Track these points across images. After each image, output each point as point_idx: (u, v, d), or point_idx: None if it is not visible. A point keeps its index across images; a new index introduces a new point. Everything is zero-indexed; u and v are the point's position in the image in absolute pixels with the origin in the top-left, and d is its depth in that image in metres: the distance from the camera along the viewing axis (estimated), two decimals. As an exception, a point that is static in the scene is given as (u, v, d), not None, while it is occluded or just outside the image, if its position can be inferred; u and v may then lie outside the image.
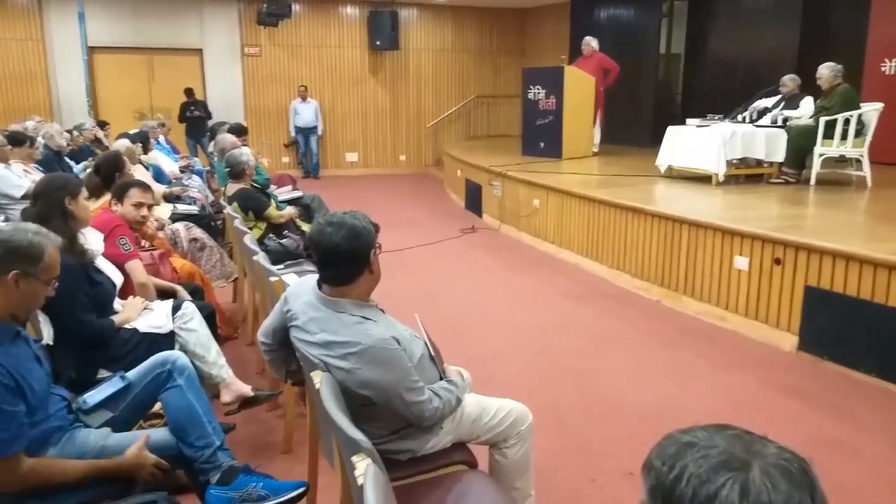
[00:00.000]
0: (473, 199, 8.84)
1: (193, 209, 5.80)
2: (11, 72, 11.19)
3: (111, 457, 1.97)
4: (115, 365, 2.56)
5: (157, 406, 2.29)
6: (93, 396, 2.14)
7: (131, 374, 2.23)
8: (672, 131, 6.87)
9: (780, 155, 6.39)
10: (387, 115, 13.25)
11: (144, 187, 3.64)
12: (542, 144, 8.87)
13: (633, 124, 10.81)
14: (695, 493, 0.76)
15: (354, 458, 1.48)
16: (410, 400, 1.92)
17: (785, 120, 6.47)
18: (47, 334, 2.69)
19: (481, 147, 10.91)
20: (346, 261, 1.94)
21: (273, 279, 2.85)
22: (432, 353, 2.15)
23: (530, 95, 8.97)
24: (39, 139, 6.45)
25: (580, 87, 8.58)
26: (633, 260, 5.49)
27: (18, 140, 5.73)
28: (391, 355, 1.89)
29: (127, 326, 2.84)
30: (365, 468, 1.38)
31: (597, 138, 9.18)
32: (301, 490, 2.12)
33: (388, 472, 1.62)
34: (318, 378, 1.86)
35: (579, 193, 6.24)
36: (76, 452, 1.95)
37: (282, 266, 4.17)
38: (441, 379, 2.13)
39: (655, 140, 7.65)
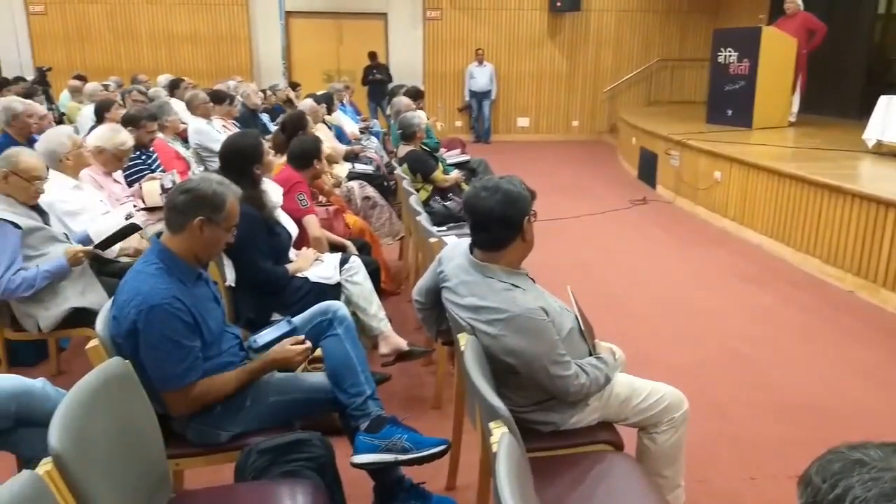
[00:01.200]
0: (647, 169, 8.42)
1: (369, 169, 6.06)
2: (218, 35, 12.32)
3: (276, 396, 2.13)
4: (286, 310, 2.75)
5: (319, 351, 2.43)
6: (262, 337, 2.31)
7: (297, 319, 2.38)
8: (885, 102, 6.02)
9: None
10: (562, 78, 12.93)
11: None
12: (729, 112, 8.19)
13: (839, 92, 9.61)
14: (857, 520, 0.65)
15: (492, 425, 1.47)
16: (555, 373, 1.87)
17: None
18: (230, 277, 2.96)
19: (661, 114, 10.31)
20: (498, 226, 1.91)
21: (433, 240, 2.91)
22: (583, 327, 2.07)
23: (720, 59, 8.29)
24: (238, 98, 7.06)
25: (779, 50, 7.76)
26: (826, 244, 4.93)
27: (219, 98, 6.33)
28: (538, 326, 1.85)
29: (299, 275, 3.04)
30: (500, 436, 1.36)
31: (795, 107, 8.30)
32: (442, 448, 2.16)
33: (527, 442, 1.60)
34: (464, 340, 1.87)
35: (768, 167, 5.69)
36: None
37: (444, 228, 4.25)
38: (590, 355, 2.06)
39: (864, 111, 6.75)
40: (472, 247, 2.01)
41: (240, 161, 2.98)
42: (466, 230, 4.20)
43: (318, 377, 2.27)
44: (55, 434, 1.38)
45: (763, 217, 5.76)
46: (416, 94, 7.07)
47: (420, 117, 5.12)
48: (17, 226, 2.79)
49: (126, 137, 3.80)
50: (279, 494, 1.78)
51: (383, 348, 3.05)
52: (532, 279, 2.03)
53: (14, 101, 4.91)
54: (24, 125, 4.52)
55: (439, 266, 2.15)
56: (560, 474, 1.83)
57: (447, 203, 4.66)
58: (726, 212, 6.36)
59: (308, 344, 2.20)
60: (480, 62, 12.33)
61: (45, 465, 1.35)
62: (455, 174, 5.06)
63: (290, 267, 3.05)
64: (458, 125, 12.87)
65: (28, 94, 6.63)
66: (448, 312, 2.11)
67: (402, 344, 3.08)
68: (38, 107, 5.10)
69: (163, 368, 1.92)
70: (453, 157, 6.28)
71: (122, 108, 5.53)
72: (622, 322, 4.07)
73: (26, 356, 3.35)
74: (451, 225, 4.45)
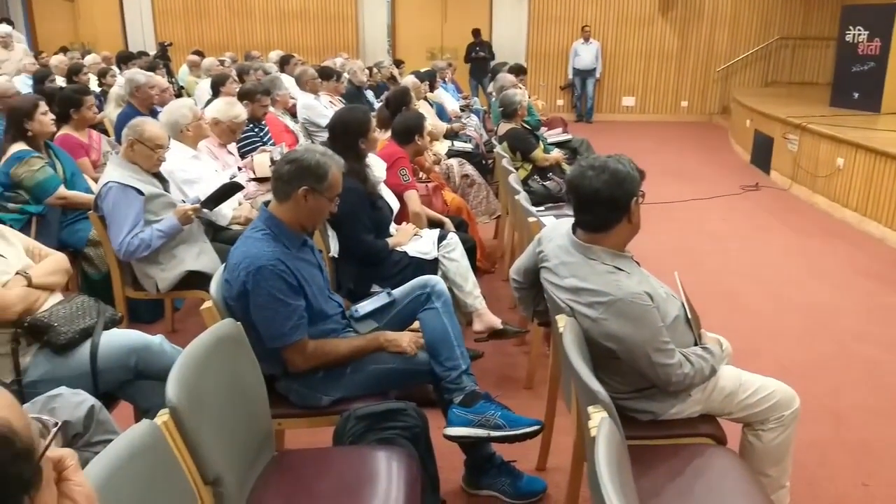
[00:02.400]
0: (761, 153, 7.95)
1: (468, 147, 6.05)
2: (327, 12, 12.61)
3: (375, 365, 2.18)
4: (386, 282, 2.81)
5: (416, 324, 2.46)
6: (363, 307, 2.37)
7: (397, 291, 2.43)
8: None
9: None
10: (672, 57, 12.37)
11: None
12: (856, 95, 7.60)
13: None
14: None
15: (590, 409, 1.44)
16: (658, 361, 1.81)
17: None
18: (334, 248, 3.05)
19: (779, 95, 9.71)
20: (604, 207, 1.85)
21: (531, 220, 2.87)
22: (689, 315, 1.99)
23: (848, 37, 7.68)
24: (345, 75, 7.22)
25: (918, 27, 7.11)
26: (963, 240, 4.51)
27: (327, 74, 6.49)
28: (642, 311, 1.79)
29: (398, 249, 3.09)
30: (599, 421, 1.33)
31: (930, 90, 7.59)
32: (536, 428, 2.14)
33: (624, 429, 1.55)
34: (562, 322, 1.84)
35: (897, 155, 5.25)
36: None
37: (542, 208, 4.20)
38: (696, 345, 1.97)
39: None
40: (574, 227, 1.97)
41: (346, 134, 3.06)
42: (565, 211, 4.19)
43: (415, 349, 2.30)
44: (172, 388, 1.47)
45: (889, 209, 5.32)
46: (518, 71, 6.99)
47: (521, 95, 5.05)
48: (140, 192, 2.97)
49: (241, 111, 3.97)
50: (376, 459, 1.82)
51: (477, 325, 3.06)
52: (637, 262, 1.96)
53: (137, 73, 5.23)
54: (146, 96, 4.81)
55: (539, 246, 2.11)
56: (657, 464, 1.78)
57: (546, 183, 4.59)
58: (848, 202, 5.92)
59: (420, 340, 2.23)
60: (586, 39, 12.00)
61: (162, 416, 1.43)
62: (556, 153, 4.97)
63: (390, 241, 3.11)
64: (559, 104, 12.63)
65: (150, 68, 7.05)
66: (546, 293, 2.07)
67: (497, 322, 3.08)
68: (160, 79, 5.41)
69: (271, 326, 2.01)
70: (554, 135, 6.17)
71: (236, 82, 5.77)
72: (729, 314, 3.89)
73: (144, 314, 3.59)
74: (550, 205, 4.39)
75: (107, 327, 2.24)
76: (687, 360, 1.85)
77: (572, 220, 2.00)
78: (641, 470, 1.70)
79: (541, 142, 4.96)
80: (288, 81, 6.19)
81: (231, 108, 3.92)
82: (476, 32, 11.87)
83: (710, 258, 4.98)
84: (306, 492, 1.74)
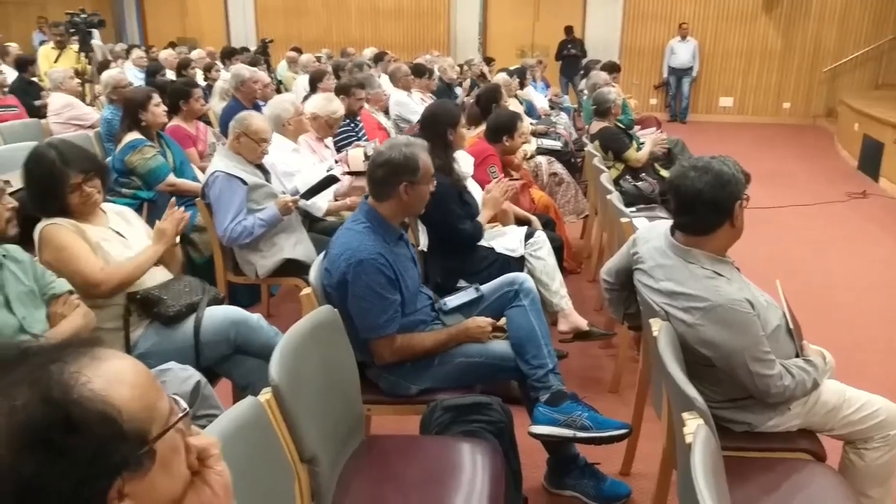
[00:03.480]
0: (870, 159, 7.48)
1: (557, 145, 5.99)
2: (419, 9, 12.77)
3: (462, 358, 2.21)
4: (472, 278, 2.84)
5: (501, 321, 2.47)
6: (452, 301, 2.41)
7: (485, 287, 2.45)
8: None
9: None
10: (775, 56, 11.79)
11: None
12: (982, 98, 7.03)
13: None
14: None
15: (685, 415, 1.41)
16: (756, 371, 1.75)
17: None
18: (423, 242, 3.10)
19: (891, 98, 9.08)
20: (706, 209, 1.81)
21: (623, 220, 2.83)
22: (791, 325, 1.91)
23: (976, 35, 7.11)
24: (436, 72, 7.29)
25: None
26: None
27: (420, 71, 6.59)
28: (741, 318, 1.73)
29: (484, 245, 3.11)
30: (696, 428, 1.31)
31: None
32: (624, 431, 2.11)
33: (718, 439, 1.52)
34: (656, 326, 1.81)
35: None
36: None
37: (633, 209, 4.10)
38: (797, 356, 1.90)
39: None
40: (673, 229, 1.92)
41: (436, 124, 3.14)
42: (657, 213, 4.09)
43: (501, 345, 2.31)
44: (275, 367, 1.54)
45: None
46: (612, 69, 6.86)
47: (615, 93, 4.96)
48: (244, 181, 3.12)
49: (338, 106, 4.09)
50: (462, 451, 1.85)
51: (562, 325, 3.04)
52: (738, 268, 1.90)
53: (242, 69, 5.47)
54: (250, 91, 5.02)
55: (634, 247, 2.08)
56: (752, 477, 1.72)
57: (639, 183, 4.49)
58: (968, 213, 5.50)
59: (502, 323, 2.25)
60: (683, 37, 11.63)
61: (265, 395, 1.51)
62: (646, 150, 4.81)
63: (481, 217, 3.13)
64: (652, 103, 12.29)
65: (252, 63, 7.35)
66: (639, 296, 2.04)
67: (583, 323, 3.05)
68: (263, 74, 5.64)
69: (367, 318, 2.07)
70: (648, 135, 6.01)
71: (333, 79, 5.94)
72: (830, 327, 3.69)
73: (242, 298, 3.75)
74: (642, 206, 4.29)
75: (211, 304, 2.37)
76: (787, 372, 1.78)
77: (669, 221, 1.96)
78: (736, 482, 1.65)
79: (634, 141, 4.85)
80: (381, 79, 6.32)
81: (329, 104, 4.05)
82: (569, 30, 11.73)
83: (809, 268, 4.74)
84: (394, 477, 1.79)
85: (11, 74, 6.72)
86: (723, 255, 1.88)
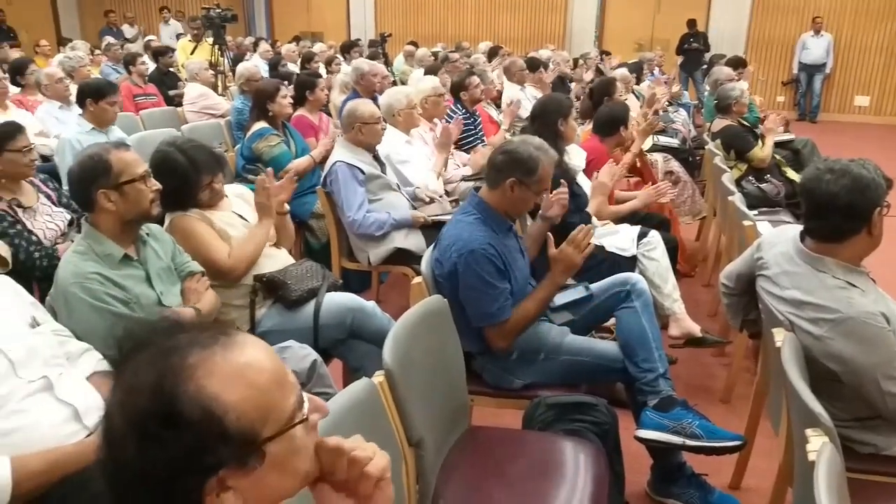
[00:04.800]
0: None
1: (674, 142, 5.79)
2: (536, 3, 12.66)
3: (568, 356, 2.19)
4: (580, 275, 2.79)
5: (609, 321, 2.43)
6: (560, 298, 2.39)
7: (595, 286, 2.41)
8: None
9: None
10: (922, 53, 10.83)
11: None
12: None
13: None
14: None
15: (809, 432, 1.34)
16: (889, 390, 1.64)
17: None
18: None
19: None
20: (840, 214, 1.70)
21: (746, 223, 2.71)
22: (931, 344, 1.76)
23: None
24: (550, 66, 7.22)
25: None
26: None
27: (534, 66, 6.54)
28: (875, 333, 1.62)
29: (595, 242, 3.05)
30: (820, 446, 1.24)
31: None
32: (737, 443, 2.02)
33: (842, 459, 1.43)
34: (780, 336, 1.72)
35: None
36: (537, 342, 2.22)
37: (755, 212, 3.90)
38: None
39: None
40: (803, 235, 1.82)
41: (546, 114, 3.14)
42: (782, 217, 3.87)
43: (609, 345, 2.28)
44: (388, 351, 1.60)
45: None
46: (737, 64, 6.53)
47: (740, 89, 4.71)
48: (362, 171, 3.24)
49: (436, 81, 4.32)
50: (565, 449, 1.84)
51: (674, 330, 2.94)
52: (873, 280, 1.78)
53: (362, 62, 5.64)
54: (369, 83, 5.18)
55: (758, 252, 1.99)
56: (878, 502, 1.61)
57: (762, 185, 4.26)
58: None
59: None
60: (817, 31, 10.88)
61: (379, 377, 1.57)
62: (769, 143, 4.53)
63: (590, 207, 3.13)
64: (779, 100, 11.59)
65: (371, 57, 7.56)
66: (761, 303, 1.95)
67: (695, 329, 2.93)
68: (381, 67, 5.79)
69: (479, 307, 2.10)
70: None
71: (445, 74, 6.02)
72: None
73: (354, 284, 3.89)
74: (765, 209, 4.07)
75: (329, 290, 2.48)
76: (925, 394, 1.65)
77: (797, 226, 1.86)
78: (859, 506, 1.55)
79: (759, 141, 4.59)
80: (493, 73, 6.34)
81: (427, 82, 4.18)
82: (691, 23, 11.23)
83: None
84: (497, 469, 1.80)
85: (150, 66, 7.26)
86: (857, 265, 1.76)
